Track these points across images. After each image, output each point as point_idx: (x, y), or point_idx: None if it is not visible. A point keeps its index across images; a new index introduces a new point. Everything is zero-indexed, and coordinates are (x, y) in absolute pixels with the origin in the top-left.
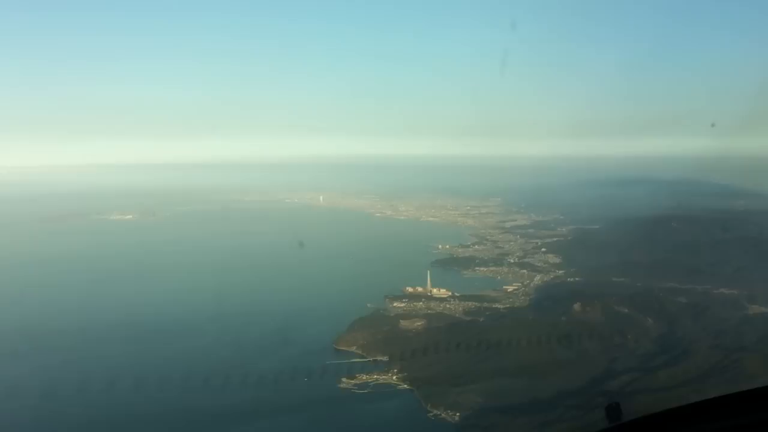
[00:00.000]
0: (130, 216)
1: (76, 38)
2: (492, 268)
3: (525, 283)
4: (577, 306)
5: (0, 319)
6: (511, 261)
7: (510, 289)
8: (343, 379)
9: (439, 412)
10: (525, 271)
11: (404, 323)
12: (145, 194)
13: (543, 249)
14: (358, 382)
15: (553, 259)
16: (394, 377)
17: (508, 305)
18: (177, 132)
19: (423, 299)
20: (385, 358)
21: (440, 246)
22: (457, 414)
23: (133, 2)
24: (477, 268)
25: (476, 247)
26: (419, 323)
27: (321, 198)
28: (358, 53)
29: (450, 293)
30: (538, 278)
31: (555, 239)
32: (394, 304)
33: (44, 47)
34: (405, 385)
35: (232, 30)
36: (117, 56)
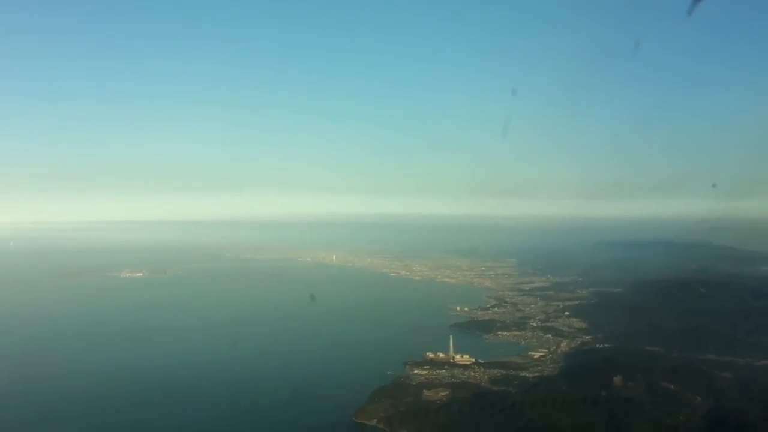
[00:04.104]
0: (141, 273)
1: (93, 97)
2: (515, 332)
3: (552, 349)
4: (617, 379)
5: (13, 381)
6: (534, 325)
7: (536, 355)
8: None
9: None
10: (550, 335)
11: (428, 393)
12: (156, 251)
13: (566, 312)
14: None
15: (578, 323)
16: None
17: (536, 373)
18: (187, 189)
19: (446, 366)
20: None
21: (458, 308)
22: None
23: (150, 64)
24: (499, 332)
25: (496, 309)
26: (444, 393)
27: (334, 257)
28: (369, 113)
29: (473, 360)
30: (564, 344)
31: (577, 302)
32: (416, 371)
33: (61, 106)
34: None
35: (244, 91)
36: (132, 114)
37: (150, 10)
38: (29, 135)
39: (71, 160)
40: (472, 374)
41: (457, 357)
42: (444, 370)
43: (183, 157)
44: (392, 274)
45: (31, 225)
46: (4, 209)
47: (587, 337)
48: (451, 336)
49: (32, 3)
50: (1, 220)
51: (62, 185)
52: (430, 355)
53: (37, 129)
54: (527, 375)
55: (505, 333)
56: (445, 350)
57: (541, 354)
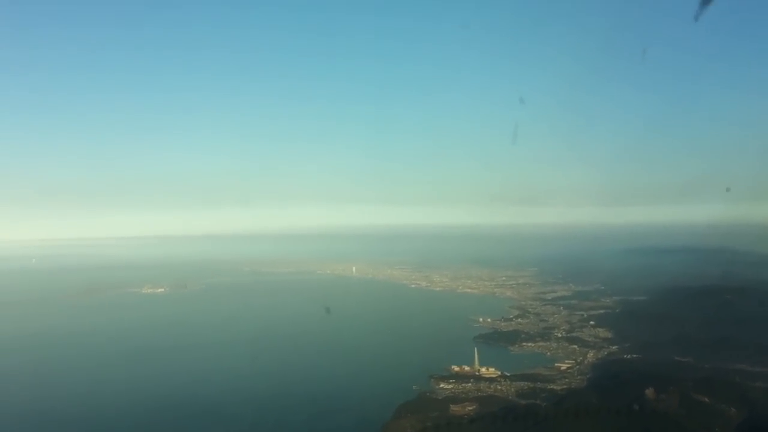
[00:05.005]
0: (162, 289)
1: (109, 115)
2: (540, 343)
3: (578, 360)
4: (650, 392)
5: (34, 399)
6: (559, 335)
7: (563, 367)
8: None
9: None
10: (575, 346)
11: (455, 408)
12: (173, 266)
13: (591, 322)
14: None
15: (603, 333)
16: None
17: (564, 386)
18: (199, 204)
19: (471, 379)
20: None
21: (481, 319)
22: None
23: (162, 80)
24: (524, 343)
25: (519, 320)
26: (471, 408)
27: (353, 269)
28: (384, 125)
29: (499, 372)
30: (591, 355)
31: (601, 311)
32: (441, 385)
33: (73, 121)
34: None
35: (254, 103)
36: (149, 131)
37: (159, 23)
38: (40, 151)
39: (83, 176)
40: (499, 387)
41: (483, 370)
42: (470, 384)
43: (194, 171)
44: (413, 286)
45: (48, 242)
46: (20, 227)
47: (614, 348)
48: (476, 348)
49: (41, 15)
50: (19, 238)
51: (74, 201)
52: (455, 368)
53: (48, 145)
54: (555, 387)
55: (529, 344)
56: (470, 363)
57: (568, 365)
